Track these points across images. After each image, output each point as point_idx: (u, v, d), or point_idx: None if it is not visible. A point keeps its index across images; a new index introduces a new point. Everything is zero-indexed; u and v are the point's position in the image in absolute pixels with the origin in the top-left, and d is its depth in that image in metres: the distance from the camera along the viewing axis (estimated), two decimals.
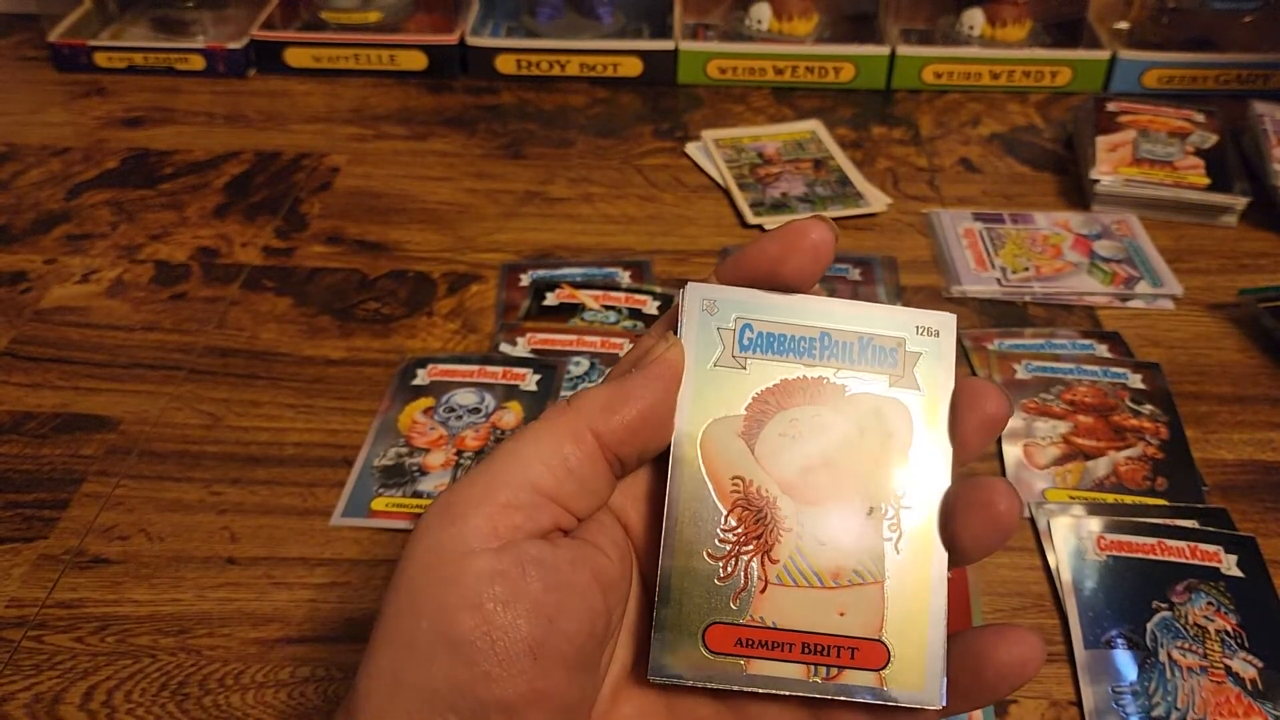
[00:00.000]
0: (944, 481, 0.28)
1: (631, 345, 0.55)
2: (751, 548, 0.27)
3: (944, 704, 0.27)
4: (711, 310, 0.28)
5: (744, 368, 0.28)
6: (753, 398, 0.28)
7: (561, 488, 0.26)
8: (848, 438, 0.28)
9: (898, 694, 0.27)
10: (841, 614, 0.27)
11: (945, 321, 0.29)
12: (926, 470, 0.28)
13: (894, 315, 0.29)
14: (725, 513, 0.27)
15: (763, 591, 0.27)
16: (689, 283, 0.28)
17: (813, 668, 0.27)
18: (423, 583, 0.24)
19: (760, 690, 0.27)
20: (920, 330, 0.29)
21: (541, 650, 0.24)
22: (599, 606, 0.26)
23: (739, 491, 0.27)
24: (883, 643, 0.27)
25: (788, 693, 0.27)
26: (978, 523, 0.27)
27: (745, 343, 0.28)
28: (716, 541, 0.27)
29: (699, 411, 0.28)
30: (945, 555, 0.27)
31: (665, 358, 0.27)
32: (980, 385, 0.28)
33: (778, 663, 0.27)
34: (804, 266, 0.28)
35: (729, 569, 0.27)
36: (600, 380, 0.54)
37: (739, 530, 0.27)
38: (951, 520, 0.27)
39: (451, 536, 0.25)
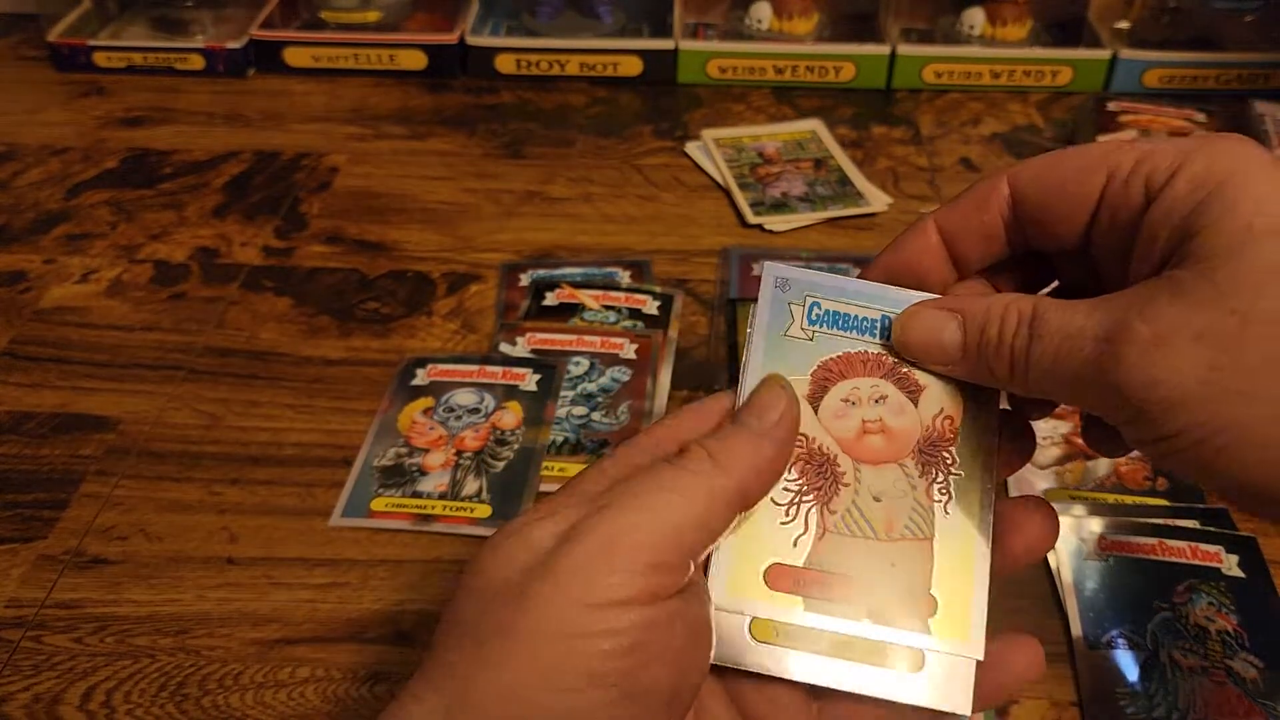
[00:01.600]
0: (992, 453, 0.30)
1: (631, 344, 0.55)
2: (812, 497, 0.29)
3: (982, 657, 0.28)
4: (784, 288, 0.31)
5: (811, 339, 0.31)
6: (818, 364, 0.30)
7: (701, 548, 0.26)
8: (904, 408, 0.30)
9: (941, 644, 0.28)
10: (893, 565, 0.29)
11: None
12: (976, 442, 0.30)
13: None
14: (789, 465, 0.29)
15: (820, 538, 0.29)
16: (766, 261, 0.31)
17: (850, 664, 0.28)
18: (576, 621, 0.24)
19: (809, 626, 0.28)
20: None
21: (675, 699, 0.25)
22: (709, 650, 0.27)
23: (802, 447, 0.29)
24: (931, 595, 0.28)
25: (838, 686, 0.28)
26: (1025, 539, 0.29)
27: (814, 318, 0.31)
28: (781, 490, 0.29)
29: (769, 373, 0.30)
30: (991, 521, 0.29)
31: (788, 414, 0.28)
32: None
33: (830, 603, 0.28)
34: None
35: (791, 514, 0.29)
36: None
37: (800, 481, 0.29)
38: (995, 539, 0.29)
39: (609, 585, 0.24)
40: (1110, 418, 0.26)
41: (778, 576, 0.28)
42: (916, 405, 0.30)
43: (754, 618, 0.28)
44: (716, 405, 0.29)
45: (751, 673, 0.28)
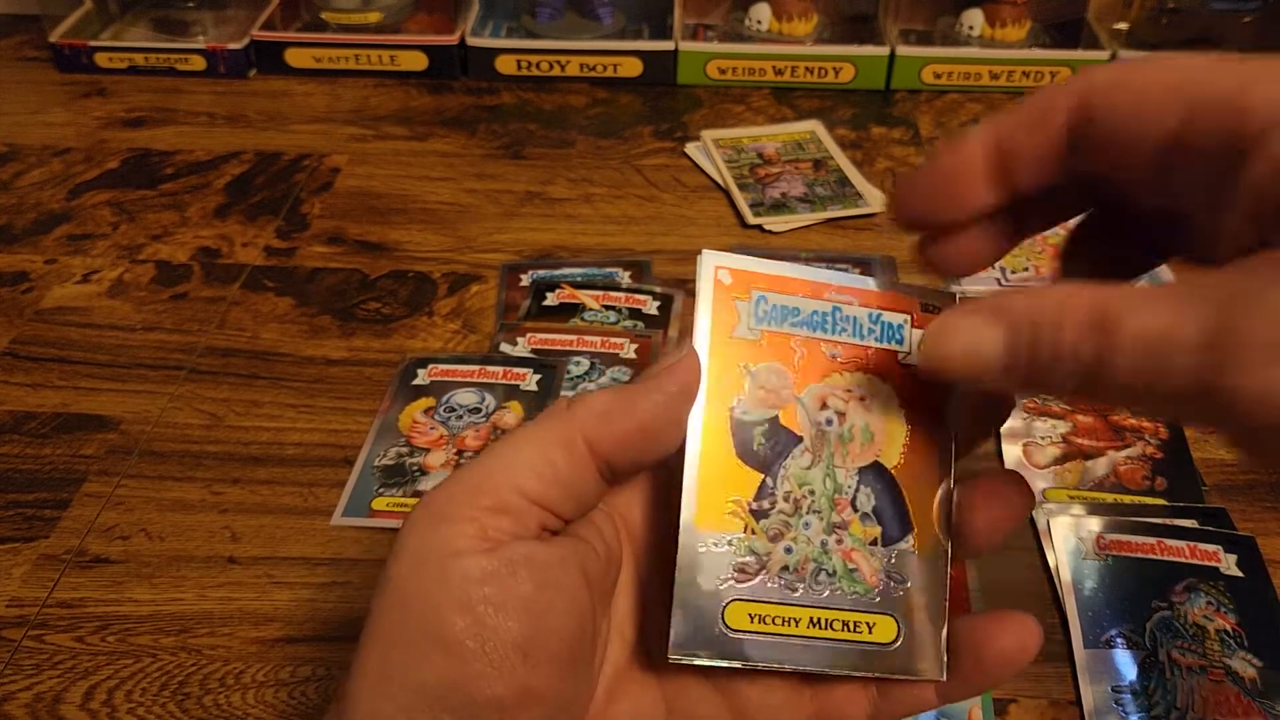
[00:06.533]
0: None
1: (631, 344, 0.55)
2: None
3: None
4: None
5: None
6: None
7: (548, 494, 0.25)
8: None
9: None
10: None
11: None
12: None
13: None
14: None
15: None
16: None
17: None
18: (411, 582, 0.24)
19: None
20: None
21: (532, 648, 0.24)
22: (586, 604, 0.26)
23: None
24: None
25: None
26: (994, 512, 0.27)
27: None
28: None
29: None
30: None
31: (677, 368, 0.27)
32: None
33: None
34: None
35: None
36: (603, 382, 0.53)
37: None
38: (964, 511, 0.28)
39: (439, 537, 0.25)
40: (1219, 433, 0.23)
41: (736, 615, 0.27)
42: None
43: (729, 603, 0.27)
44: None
45: (737, 668, 0.27)
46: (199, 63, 0.82)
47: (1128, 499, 0.48)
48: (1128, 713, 0.39)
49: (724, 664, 0.27)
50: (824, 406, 0.28)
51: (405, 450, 0.50)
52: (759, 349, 0.28)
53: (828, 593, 0.27)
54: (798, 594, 0.27)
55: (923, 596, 0.28)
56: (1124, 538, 0.45)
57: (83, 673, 0.41)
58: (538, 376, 0.53)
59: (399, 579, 0.24)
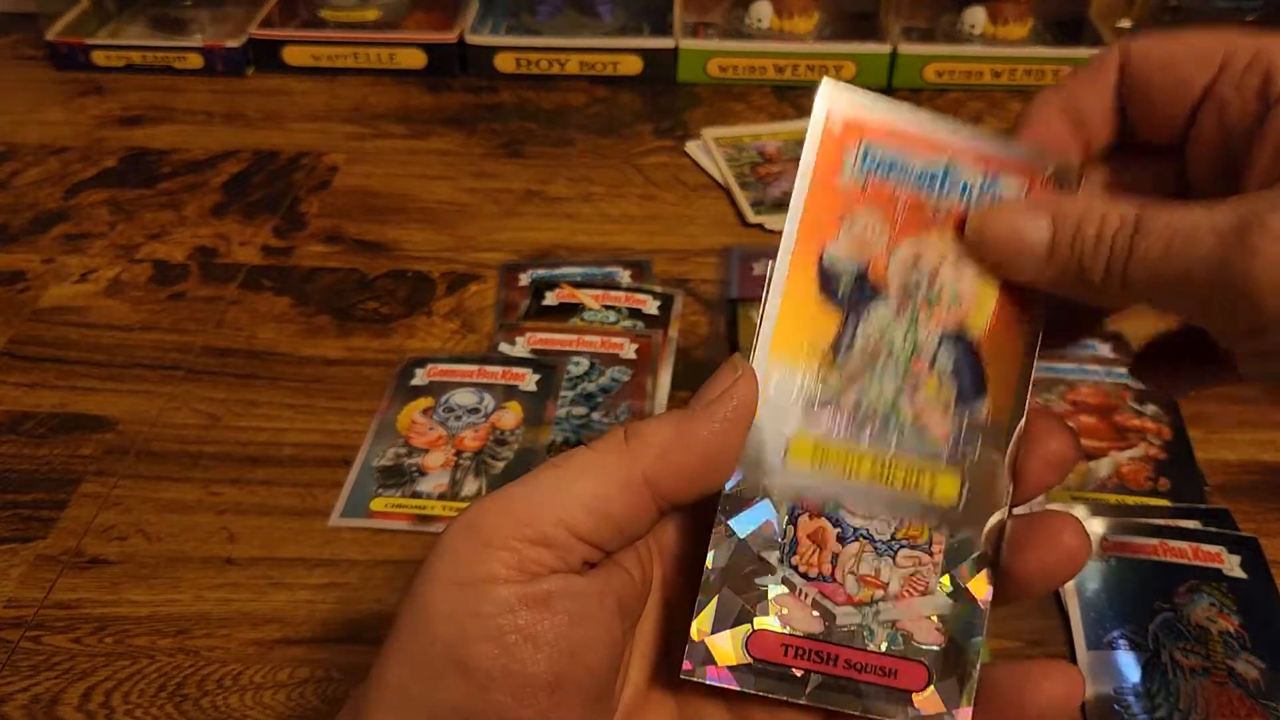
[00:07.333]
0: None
1: (631, 344, 0.55)
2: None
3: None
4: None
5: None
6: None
7: (598, 533, 0.25)
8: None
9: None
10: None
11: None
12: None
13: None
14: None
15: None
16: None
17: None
18: (442, 603, 0.23)
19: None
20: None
21: (561, 684, 0.23)
22: (618, 635, 0.25)
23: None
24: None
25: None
26: (1046, 558, 0.27)
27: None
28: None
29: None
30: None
31: (734, 391, 0.26)
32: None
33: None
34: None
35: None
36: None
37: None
38: (1014, 551, 0.27)
39: (476, 560, 0.24)
40: (1222, 329, 0.24)
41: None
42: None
43: (795, 435, 0.26)
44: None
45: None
46: (196, 61, 0.81)
47: (1131, 500, 0.47)
48: (1130, 715, 0.39)
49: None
50: (916, 265, 0.27)
51: (403, 451, 0.50)
52: (859, 198, 0.27)
53: (895, 441, 0.27)
54: (865, 437, 0.27)
55: (989, 466, 0.27)
56: (1127, 539, 0.45)
57: (80, 674, 0.41)
58: (537, 377, 0.53)
59: (429, 596, 0.24)
